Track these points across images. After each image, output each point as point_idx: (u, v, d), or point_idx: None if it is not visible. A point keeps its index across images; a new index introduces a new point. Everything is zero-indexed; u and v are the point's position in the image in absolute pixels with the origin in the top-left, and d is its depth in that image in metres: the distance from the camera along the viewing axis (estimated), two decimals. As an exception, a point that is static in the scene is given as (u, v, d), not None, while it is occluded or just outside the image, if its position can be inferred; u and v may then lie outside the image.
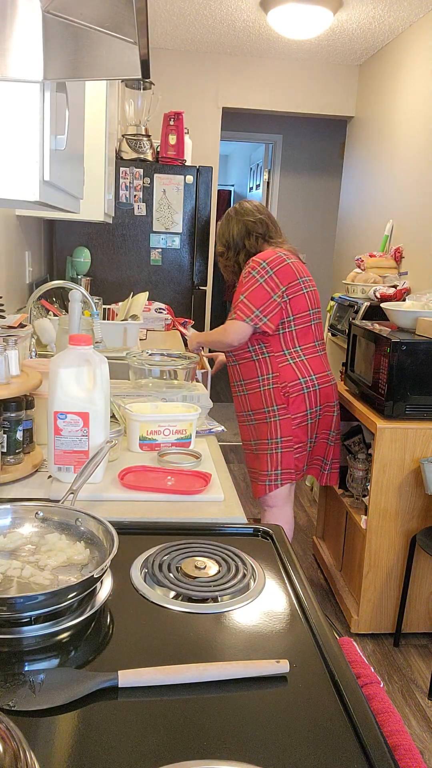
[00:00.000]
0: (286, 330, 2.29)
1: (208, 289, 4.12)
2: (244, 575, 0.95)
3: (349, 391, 2.70)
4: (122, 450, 1.46)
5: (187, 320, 3.47)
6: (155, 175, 3.67)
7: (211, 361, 2.70)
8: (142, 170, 3.65)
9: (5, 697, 0.68)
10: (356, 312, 3.14)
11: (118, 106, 3.49)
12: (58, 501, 1.07)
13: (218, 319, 5.06)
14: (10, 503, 1.00)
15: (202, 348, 2.57)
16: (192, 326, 3.44)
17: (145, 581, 0.93)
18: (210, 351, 2.67)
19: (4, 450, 1.27)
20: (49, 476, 1.29)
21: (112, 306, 3.18)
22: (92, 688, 0.70)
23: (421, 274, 3.28)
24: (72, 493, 1.08)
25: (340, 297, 3.53)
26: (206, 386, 2.32)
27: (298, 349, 2.30)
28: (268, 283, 2.21)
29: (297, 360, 2.29)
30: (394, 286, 3.17)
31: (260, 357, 2.30)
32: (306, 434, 2.34)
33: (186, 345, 2.84)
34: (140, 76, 0.96)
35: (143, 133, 3.67)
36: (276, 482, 2.34)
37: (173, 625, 0.84)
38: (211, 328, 4.79)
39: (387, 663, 2.35)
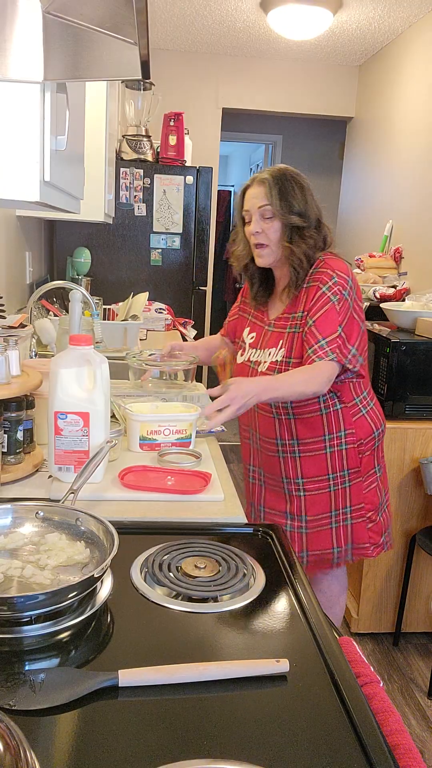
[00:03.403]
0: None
1: (208, 289, 4.13)
2: (244, 575, 0.95)
3: (349, 392, 2.70)
4: (122, 450, 1.46)
5: (187, 320, 3.47)
6: (155, 176, 3.67)
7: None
8: (142, 171, 3.65)
9: (6, 697, 0.68)
10: (356, 312, 3.14)
11: (118, 106, 3.50)
12: (58, 501, 1.07)
13: (218, 320, 5.06)
14: (11, 503, 1.01)
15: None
16: (192, 326, 3.44)
17: (145, 581, 0.93)
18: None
19: (5, 450, 1.27)
20: (50, 476, 1.29)
21: (113, 306, 3.19)
22: (92, 688, 0.70)
23: (420, 275, 3.28)
24: (72, 492, 1.08)
25: (340, 297, 3.53)
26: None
27: (365, 394, 1.77)
28: (356, 309, 1.64)
29: (368, 409, 1.77)
30: (394, 287, 3.18)
31: (331, 409, 1.70)
32: (377, 495, 1.82)
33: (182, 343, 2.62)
34: (140, 77, 0.97)
35: (143, 133, 3.67)
36: (346, 557, 1.80)
37: (173, 624, 0.84)
38: (211, 329, 4.74)
39: (387, 662, 2.35)
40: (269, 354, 1.71)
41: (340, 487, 1.74)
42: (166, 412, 1.52)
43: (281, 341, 1.68)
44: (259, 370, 1.72)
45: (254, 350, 1.77)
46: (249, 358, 1.77)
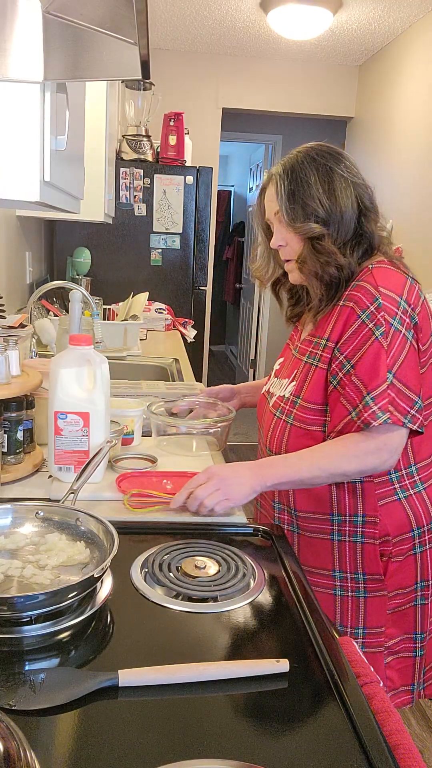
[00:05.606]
0: None
1: (208, 289, 4.12)
2: (244, 575, 0.95)
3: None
4: (122, 450, 1.46)
5: (187, 320, 3.47)
6: (155, 176, 3.67)
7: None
8: (142, 171, 3.65)
9: (6, 697, 0.68)
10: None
11: (118, 106, 3.50)
12: (58, 501, 1.07)
13: (218, 320, 5.03)
14: (11, 503, 1.01)
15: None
16: (192, 326, 3.45)
17: (145, 581, 0.93)
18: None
19: (5, 450, 1.27)
20: (50, 476, 1.29)
21: (113, 306, 3.19)
22: (92, 688, 0.70)
23: (421, 274, 3.27)
24: (72, 492, 1.08)
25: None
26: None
27: (413, 469, 1.23)
28: (420, 340, 1.18)
29: (412, 492, 1.22)
30: (394, 287, 3.17)
31: (346, 481, 1.22)
32: (412, 626, 1.25)
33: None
34: (140, 77, 0.97)
35: (143, 133, 3.67)
36: None
37: (173, 624, 0.84)
38: (211, 329, 4.71)
39: (387, 663, 2.35)
40: (281, 385, 1.32)
41: (350, 594, 1.23)
42: (114, 407, 1.42)
43: (295, 372, 1.28)
44: (270, 404, 1.34)
45: (276, 379, 1.37)
46: (269, 388, 1.39)
